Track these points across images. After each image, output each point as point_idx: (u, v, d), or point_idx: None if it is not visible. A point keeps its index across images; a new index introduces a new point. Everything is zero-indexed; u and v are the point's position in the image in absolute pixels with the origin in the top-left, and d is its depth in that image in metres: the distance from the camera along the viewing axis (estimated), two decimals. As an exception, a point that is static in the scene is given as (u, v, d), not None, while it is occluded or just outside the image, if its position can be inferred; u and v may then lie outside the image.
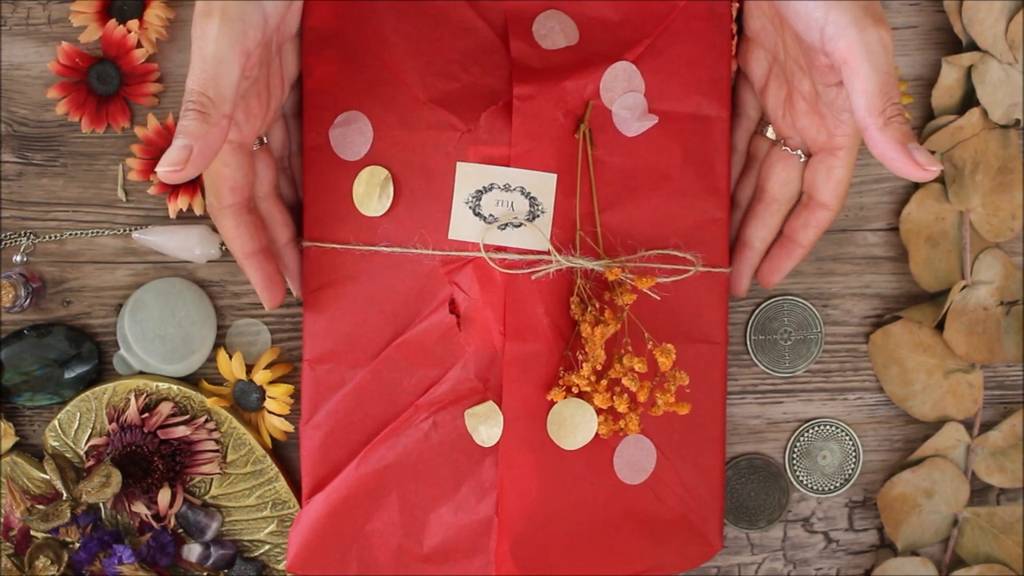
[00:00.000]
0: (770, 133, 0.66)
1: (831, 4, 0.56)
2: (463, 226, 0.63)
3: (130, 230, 0.69)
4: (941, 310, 0.70)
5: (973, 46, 0.69)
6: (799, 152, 0.65)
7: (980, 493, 0.74)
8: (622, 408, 0.63)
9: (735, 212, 0.69)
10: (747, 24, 0.65)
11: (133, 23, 0.66)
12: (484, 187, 0.62)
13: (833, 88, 0.60)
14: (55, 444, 0.69)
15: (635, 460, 0.66)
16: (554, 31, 0.63)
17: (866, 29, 0.55)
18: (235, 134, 0.60)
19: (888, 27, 0.56)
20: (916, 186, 0.71)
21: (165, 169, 0.54)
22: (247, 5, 0.56)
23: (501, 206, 0.62)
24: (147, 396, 0.68)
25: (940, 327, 0.71)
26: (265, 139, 0.64)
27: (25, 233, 0.69)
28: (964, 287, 0.71)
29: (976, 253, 0.71)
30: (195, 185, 0.68)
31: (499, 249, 0.63)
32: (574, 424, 0.64)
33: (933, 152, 0.71)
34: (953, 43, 0.71)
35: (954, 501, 0.72)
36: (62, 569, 0.68)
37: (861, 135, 0.57)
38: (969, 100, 0.70)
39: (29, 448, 0.70)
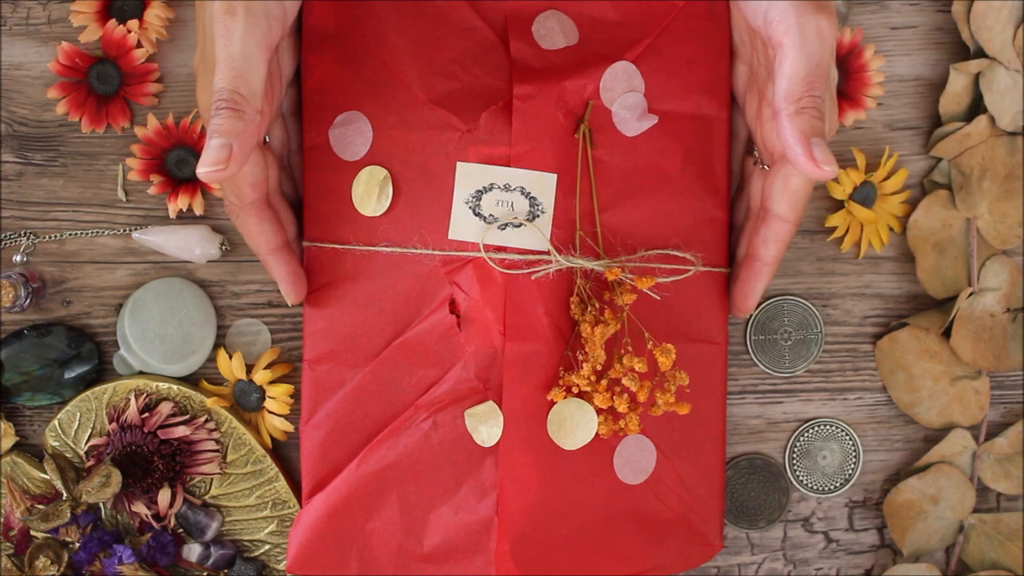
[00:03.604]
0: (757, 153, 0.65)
1: None
2: (463, 226, 0.63)
3: (130, 230, 0.69)
4: (948, 317, 0.70)
5: (981, 53, 0.69)
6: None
7: (983, 499, 0.73)
8: (622, 408, 0.63)
9: (732, 233, 0.68)
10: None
11: (133, 23, 0.66)
12: (484, 187, 0.62)
13: None
14: (55, 444, 0.69)
15: (635, 460, 0.66)
16: (554, 31, 0.63)
17: (805, 15, 0.55)
18: None
19: (831, 16, 0.55)
20: (923, 192, 0.71)
21: (208, 169, 0.54)
22: (270, 2, 0.56)
23: (501, 206, 0.62)
24: (147, 396, 0.68)
25: (947, 334, 0.71)
26: (267, 138, 0.64)
27: (25, 233, 0.69)
28: (971, 294, 0.71)
29: (983, 260, 0.71)
30: (195, 185, 0.68)
31: (499, 249, 0.63)
32: (574, 424, 0.64)
33: (939, 160, 0.71)
34: (953, 43, 0.71)
35: (960, 508, 0.72)
36: (62, 569, 0.68)
37: (774, 119, 0.56)
38: (976, 107, 0.70)
39: (29, 448, 0.70)
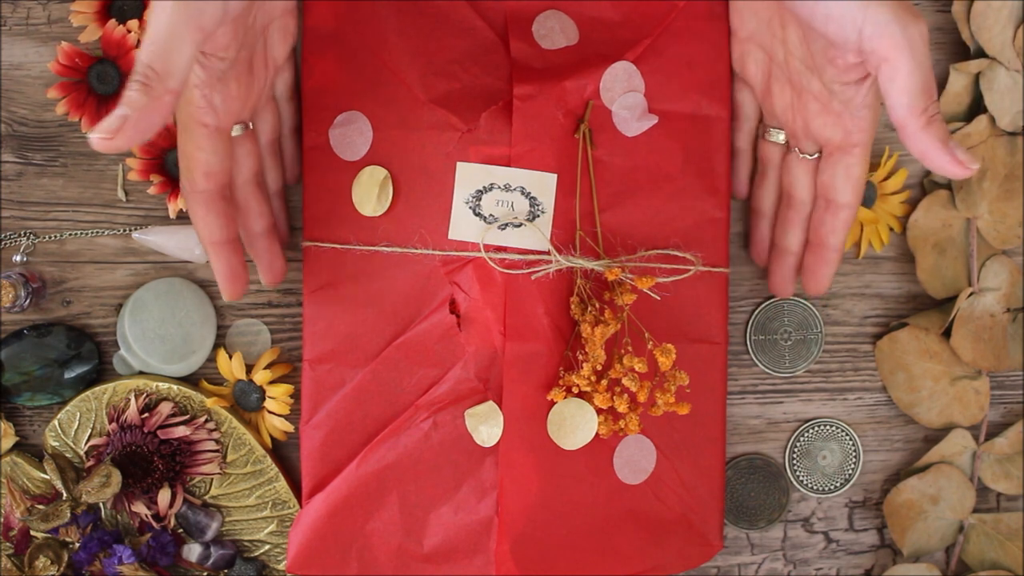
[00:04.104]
0: (776, 137, 0.66)
1: (868, 3, 0.55)
2: (463, 226, 0.63)
3: (130, 230, 0.69)
4: (948, 317, 0.70)
5: (981, 53, 0.69)
6: (815, 155, 0.64)
7: (983, 499, 0.73)
8: (622, 408, 0.63)
9: (760, 220, 0.68)
10: (739, 26, 0.64)
11: (133, 23, 0.66)
12: (484, 187, 0.62)
13: (852, 86, 0.59)
14: (55, 444, 0.69)
15: (635, 460, 0.66)
16: (554, 31, 0.63)
17: (908, 25, 0.55)
18: (211, 118, 0.59)
19: (925, 22, 0.55)
20: (923, 192, 0.71)
21: (97, 136, 0.53)
22: None
23: (501, 206, 0.62)
24: (147, 396, 0.68)
25: (947, 334, 0.71)
26: (251, 124, 0.64)
27: (25, 233, 0.69)
28: (971, 294, 0.71)
29: (983, 260, 0.71)
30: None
31: (499, 249, 0.63)
32: (574, 424, 0.64)
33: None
34: (953, 43, 0.71)
35: (960, 508, 0.72)
36: (62, 569, 0.68)
37: (899, 132, 0.56)
38: (977, 107, 0.70)
39: (29, 448, 0.70)
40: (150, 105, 0.54)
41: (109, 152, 0.54)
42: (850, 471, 0.73)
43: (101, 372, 0.69)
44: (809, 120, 0.63)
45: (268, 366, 0.68)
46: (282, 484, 0.69)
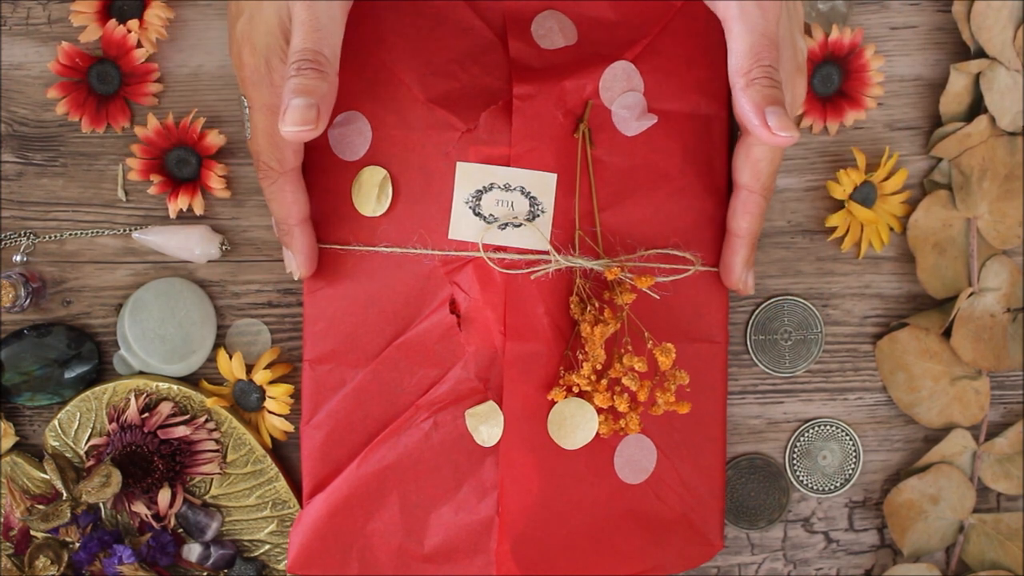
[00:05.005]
0: None
1: None
2: (463, 226, 0.63)
3: (130, 230, 0.69)
4: (948, 317, 0.70)
5: (981, 53, 0.69)
6: None
7: (983, 499, 0.73)
8: (622, 408, 0.63)
9: None
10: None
11: (133, 23, 0.66)
12: (484, 187, 0.62)
13: None
14: (55, 444, 0.69)
15: (635, 460, 0.66)
16: (553, 31, 0.64)
17: None
18: None
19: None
20: (923, 192, 0.71)
21: (296, 128, 0.53)
22: None
23: (501, 206, 0.62)
24: (147, 396, 0.68)
25: (947, 334, 0.71)
26: None
27: (25, 233, 0.69)
28: (971, 294, 0.71)
29: (983, 260, 0.71)
30: (195, 185, 0.68)
31: (499, 249, 0.63)
32: (574, 424, 0.64)
33: (939, 160, 0.71)
34: (953, 43, 0.71)
35: (960, 508, 0.72)
36: (62, 569, 0.68)
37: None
38: (977, 107, 0.70)
39: (29, 448, 0.70)
40: (330, 91, 0.54)
41: (305, 140, 0.54)
42: (850, 471, 0.73)
43: (101, 372, 0.70)
44: (734, 99, 0.63)
45: (268, 366, 0.68)
46: (282, 484, 0.69)
